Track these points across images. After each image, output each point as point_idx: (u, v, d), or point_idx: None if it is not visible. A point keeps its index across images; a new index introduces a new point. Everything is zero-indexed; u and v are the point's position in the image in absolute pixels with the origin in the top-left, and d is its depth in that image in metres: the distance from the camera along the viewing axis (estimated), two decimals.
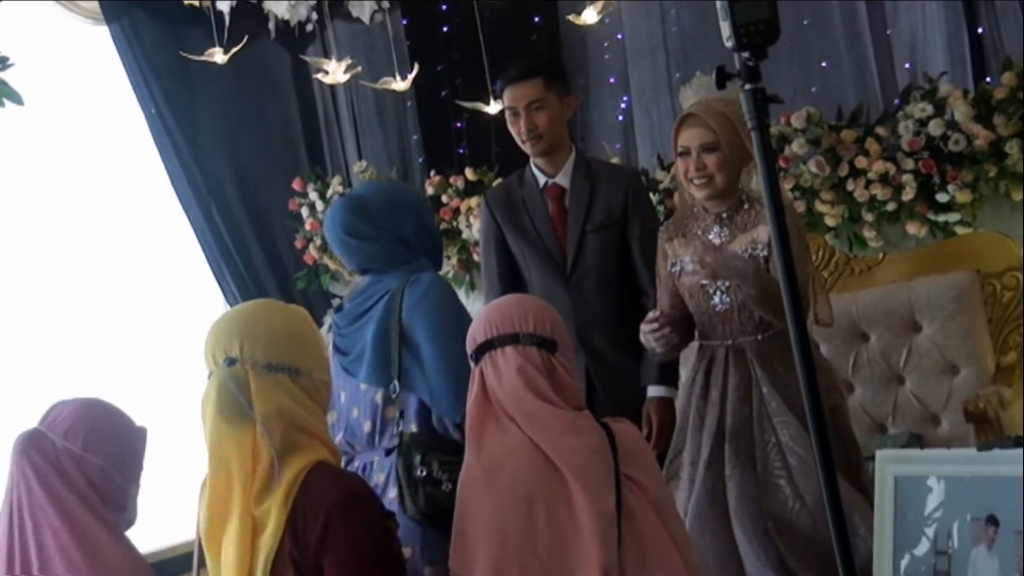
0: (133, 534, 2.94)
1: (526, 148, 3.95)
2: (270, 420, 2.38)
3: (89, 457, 2.81)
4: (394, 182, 3.74)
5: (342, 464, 3.08)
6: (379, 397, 3.02)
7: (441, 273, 3.22)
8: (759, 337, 3.30)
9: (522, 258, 3.96)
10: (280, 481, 2.34)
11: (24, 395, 4.93)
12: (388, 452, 2.97)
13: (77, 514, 2.77)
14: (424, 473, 2.85)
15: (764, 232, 3.25)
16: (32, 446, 2.83)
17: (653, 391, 3.77)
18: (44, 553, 2.77)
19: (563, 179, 3.95)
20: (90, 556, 2.74)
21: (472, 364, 2.64)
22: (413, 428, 2.95)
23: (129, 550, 2.84)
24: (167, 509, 4.58)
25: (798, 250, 3.09)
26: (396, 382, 2.95)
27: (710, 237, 3.37)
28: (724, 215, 3.36)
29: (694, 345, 3.52)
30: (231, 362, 2.42)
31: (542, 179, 3.97)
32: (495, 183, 5.18)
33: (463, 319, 2.91)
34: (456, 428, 2.88)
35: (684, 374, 3.62)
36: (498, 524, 2.46)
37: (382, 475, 2.99)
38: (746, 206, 3.34)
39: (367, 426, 3.03)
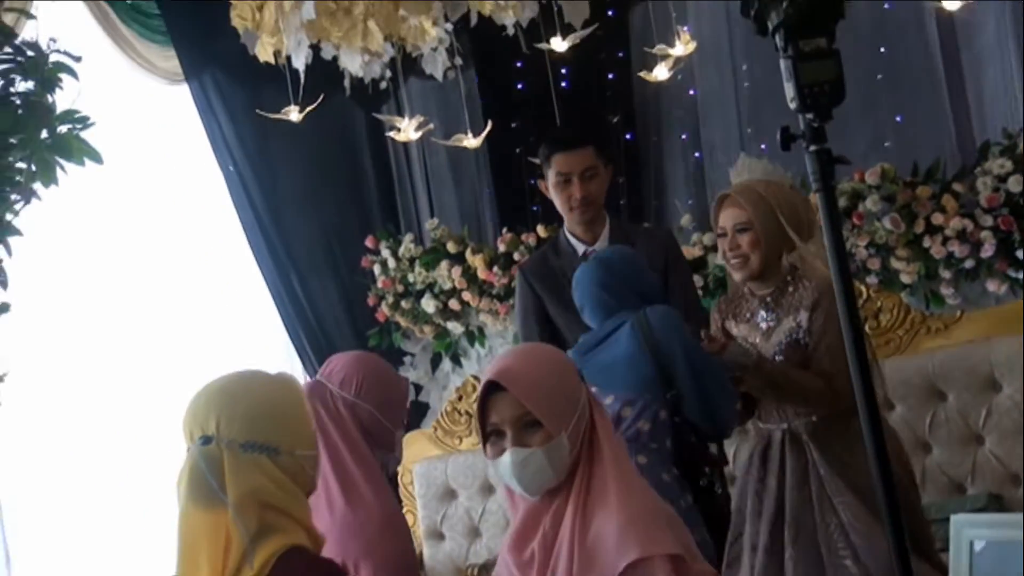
0: None
1: (572, 216, 3.94)
2: (243, 503, 2.21)
3: (361, 403, 3.14)
4: (627, 248, 3.96)
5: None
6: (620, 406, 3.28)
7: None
8: (814, 418, 3.26)
9: (567, 329, 3.85)
10: (250, 568, 2.17)
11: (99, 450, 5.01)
12: None
13: (342, 456, 3.08)
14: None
15: (805, 316, 3.25)
16: (312, 394, 3.06)
17: None
18: None
19: (602, 246, 3.91)
20: (348, 492, 3.05)
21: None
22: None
23: (382, 492, 3.13)
24: None
25: (833, 339, 3.10)
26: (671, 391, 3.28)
27: (758, 321, 3.36)
28: (769, 299, 3.35)
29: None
30: (206, 440, 2.25)
31: (580, 247, 3.95)
32: None
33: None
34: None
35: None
36: None
37: None
38: (791, 288, 3.31)
39: None
